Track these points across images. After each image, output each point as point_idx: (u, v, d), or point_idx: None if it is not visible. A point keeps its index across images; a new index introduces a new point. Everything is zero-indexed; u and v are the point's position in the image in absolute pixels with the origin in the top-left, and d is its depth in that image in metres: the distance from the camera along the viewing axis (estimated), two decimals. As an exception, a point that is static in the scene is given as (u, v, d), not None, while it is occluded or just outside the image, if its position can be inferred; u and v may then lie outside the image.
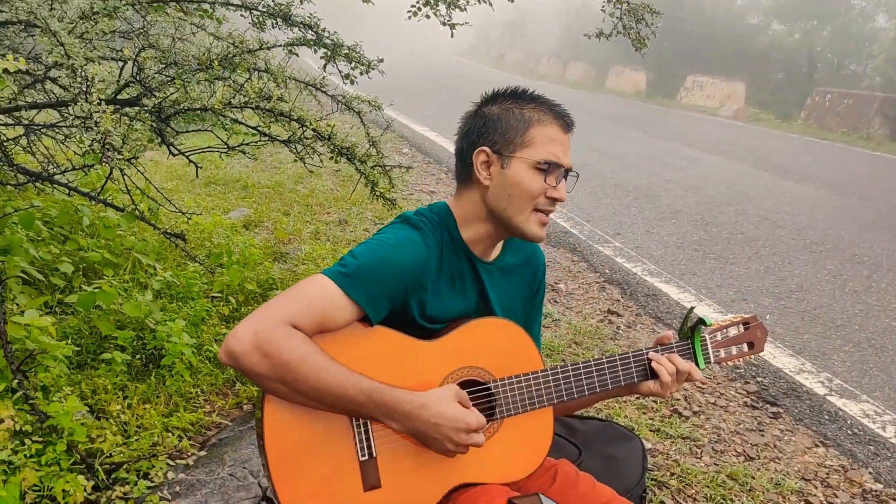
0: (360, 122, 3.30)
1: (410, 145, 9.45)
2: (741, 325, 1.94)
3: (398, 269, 1.56)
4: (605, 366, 1.76)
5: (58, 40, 2.18)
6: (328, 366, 1.44)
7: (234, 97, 2.75)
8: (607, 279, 4.74)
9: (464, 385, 1.62)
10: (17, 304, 2.87)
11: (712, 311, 4.31)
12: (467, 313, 1.71)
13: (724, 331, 1.92)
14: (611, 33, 2.96)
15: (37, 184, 3.81)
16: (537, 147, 1.59)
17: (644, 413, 3.08)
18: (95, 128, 1.93)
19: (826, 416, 3.23)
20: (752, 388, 3.44)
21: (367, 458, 1.53)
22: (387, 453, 1.55)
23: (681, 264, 5.13)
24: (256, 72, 3.03)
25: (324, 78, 3.19)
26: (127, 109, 2.44)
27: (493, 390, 1.65)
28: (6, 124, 3.22)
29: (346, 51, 2.77)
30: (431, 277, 1.63)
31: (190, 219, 4.19)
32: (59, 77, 2.01)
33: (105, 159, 1.87)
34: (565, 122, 1.63)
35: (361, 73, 2.84)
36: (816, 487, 2.70)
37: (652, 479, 2.63)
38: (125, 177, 3.77)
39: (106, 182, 3.24)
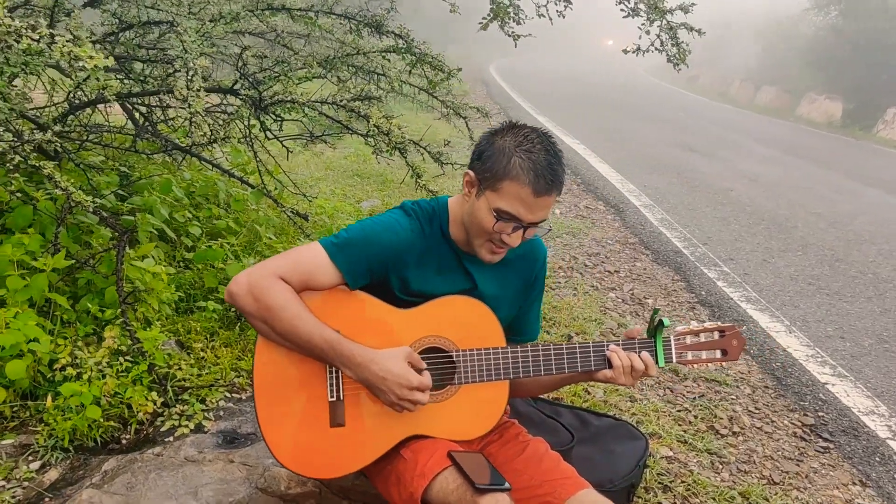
0: (466, 127, 3.66)
1: (554, 156, 9.63)
2: (716, 332, 2.04)
3: (380, 247, 1.87)
4: (565, 352, 1.95)
5: (180, 38, 2.69)
6: (302, 314, 1.79)
7: (336, 94, 3.17)
8: (701, 300, 4.75)
9: (428, 351, 1.90)
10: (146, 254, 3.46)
11: (799, 344, 4.22)
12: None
13: (696, 336, 2.04)
14: (647, 49, 3.08)
15: (174, 155, 4.41)
16: (503, 197, 1.77)
17: (679, 425, 3.17)
18: (189, 108, 2.39)
19: (877, 459, 3.15)
20: (809, 420, 3.39)
21: (335, 399, 1.85)
22: (353, 398, 1.86)
23: (786, 295, 5.00)
24: (358, 72, 3.44)
25: (437, 86, 3.54)
26: (230, 98, 2.92)
27: (455, 359, 1.90)
28: (142, 105, 3.83)
29: (430, 59, 3.10)
30: (413, 259, 1.92)
31: (311, 201, 4.71)
32: (177, 66, 2.48)
33: (189, 134, 2.32)
34: (541, 186, 1.74)
35: (442, 80, 3.15)
36: (831, 519, 2.69)
37: (659, 483, 2.74)
38: (258, 161, 4.33)
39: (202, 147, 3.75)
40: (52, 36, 1.90)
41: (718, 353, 2.04)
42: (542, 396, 2.98)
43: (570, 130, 11.82)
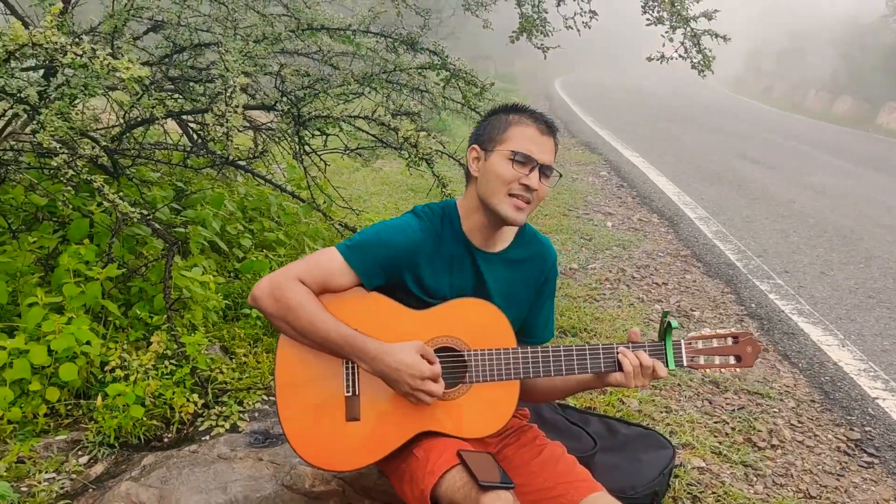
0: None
1: (611, 168, 9.60)
2: (729, 339, 2.05)
3: (392, 248, 1.97)
4: (574, 353, 1.99)
5: (223, 58, 2.85)
6: (319, 313, 1.89)
7: (375, 110, 3.29)
8: (750, 313, 4.67)
9: (441, 350, 1.97)
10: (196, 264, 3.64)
11: (851, 357, 4.10)
12: (464, 294, 2.05)
13: (708, 340, 2.05)
14: (671, 57, 3.09)
15: (224, 170, 4.61)
16: (513, 142, 1.92)
17: (715, 436, 3.14)
18: (226, 124, 2.54)
19: (926, 475, 3.04)
20: (855, 434, 3.30)
21: (351, 394, 1.94)
22: (369, 393, 1.95)
23: (842, 309, 4.86)
24: (402, 89, 3.56)
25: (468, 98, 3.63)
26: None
27: (466, 358, 1.97)
28: (195, 122, 4.03)
29: (464, 74, 3.19)
30: (425, 257, 2.00)
31: (359, 214, 4.84)
32: (216, 84, 2.64)
33: (226, 148, 2.46)
34: (544, 126, 1.95)
35: (474, 94, 3.23)
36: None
37: (689, 493, 2.73)
38: (308, 175, 4.49)
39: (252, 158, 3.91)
40: (93, 50, 2.06)
41: (732, 359, 2.05)
42: (571, 405, 3.00)
43: (629, 143, 11.74)
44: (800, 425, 3.34)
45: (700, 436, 3.11)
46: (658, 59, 3.16)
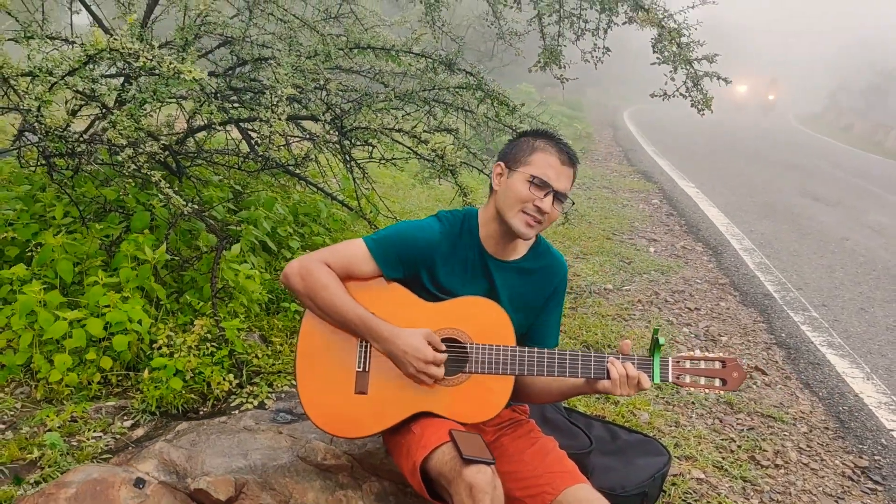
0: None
1: (664, 196, 9.65)
2: (717, 363, 2.19)
3: (411, 243, 2.20)
4: (568, 358, 2.17)
5: (274, 71, 3.15)
6: (340, 294, 2.14)
7: (415, 125, 3.55)
8: (779, 342, 4.72)
9: (446, 340, 2.18)
10: (246, 261, 3.94)
11: (874, 390, 4.12)
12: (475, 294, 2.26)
13: (696, 361, 2.19)
14: (673, 94, 3.22)
15: (277, 175, 4.92)
16: (534, 167, 2.13)
17: (719, 451, 3.24)
18: (269, 129, 2.82)
19: (928, 506, 3.08)
20: (863, 462, 3.36)
21: (362, 369, 2.17)
22: (377, 371, 2.17)
23: (875, 344, 4.87)
24: (448, 108, 3.81)
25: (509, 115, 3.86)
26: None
27: (469, 350, 2.17)
28: (252, 130, 4.35)
29: (496, 95, 3.42)
30: (441, 257, 2.23)
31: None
32: (267, 94, 2.94)
33: (267, 151, 2.74)
34: (566, 156, 2.15)
35: (508, 112, 3.46)
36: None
37: (684, 501, 2.85)
38: (358, 185, 4.77)
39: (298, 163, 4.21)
40: (162, 56, 2.37)
41: (717, 382, 2.17)
42: (578, 409, 3.16)
43: (687, 174, 11.75)
44: (808, 449, 3.41)
45: (704, 450, 3.22)
46: (661, 97, 3.32)
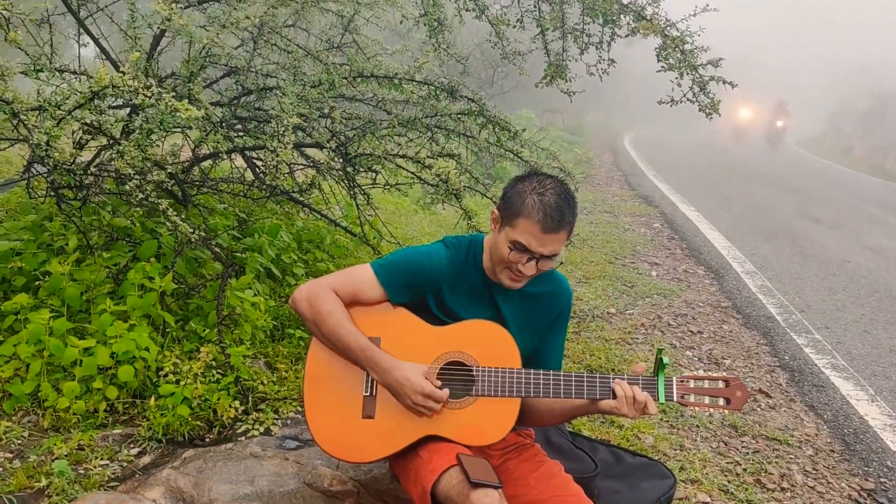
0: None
1: (665, 220, 9.68)
2: (721, 382, 2.21)
3: (417, 269, 2.23)
4: (573, 380, 2.19)
5: (279, 101, 3.20)
6: (344, 322, 2.16)
7: (418, 150, 3.60)
8: (782, 365, 4.73)
9: (452, 364, 2.20)
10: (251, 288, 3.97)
11: (879, 413, 4.12)
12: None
13: (700, 381, 2.21)
14: (680, 100, 3.26)
15: (281, 202, 4.96)
16: (517, 232, 2.10)
17: (725, 475, 3.24)
18: (276, 157, 2.86)
19: (935, 528, 3.08)
20: (869, 485, 3.36)
21: (369, 394, 2.19)
22: (384, 395, 2.19)
23: (878, 366, 4.87)
24: (450, 134, 3.86)
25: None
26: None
27: (474, 373, 2.19)
28: (258, 158, 4.40)
29: (498, 120, 3.47)
30: (447, 283, 2.25)
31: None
32: (273, 123, 2.99)
33: (275, 179, 2.79)
34: (548, 224, 2.06)
35: (509, 138, 3.51)
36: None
37: (689, 524, 2.85)
38: (361, 211, 4.81)
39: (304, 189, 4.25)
40: (160, 94, 2.42)
41: (721, 401, 2.19)
42: (583, 434, 3.17)
43: (688, 198, 11.80)
44: (814, 472, 3.41)
45: (710, 473, 3.22)
46: (668, 103, 3.35)
